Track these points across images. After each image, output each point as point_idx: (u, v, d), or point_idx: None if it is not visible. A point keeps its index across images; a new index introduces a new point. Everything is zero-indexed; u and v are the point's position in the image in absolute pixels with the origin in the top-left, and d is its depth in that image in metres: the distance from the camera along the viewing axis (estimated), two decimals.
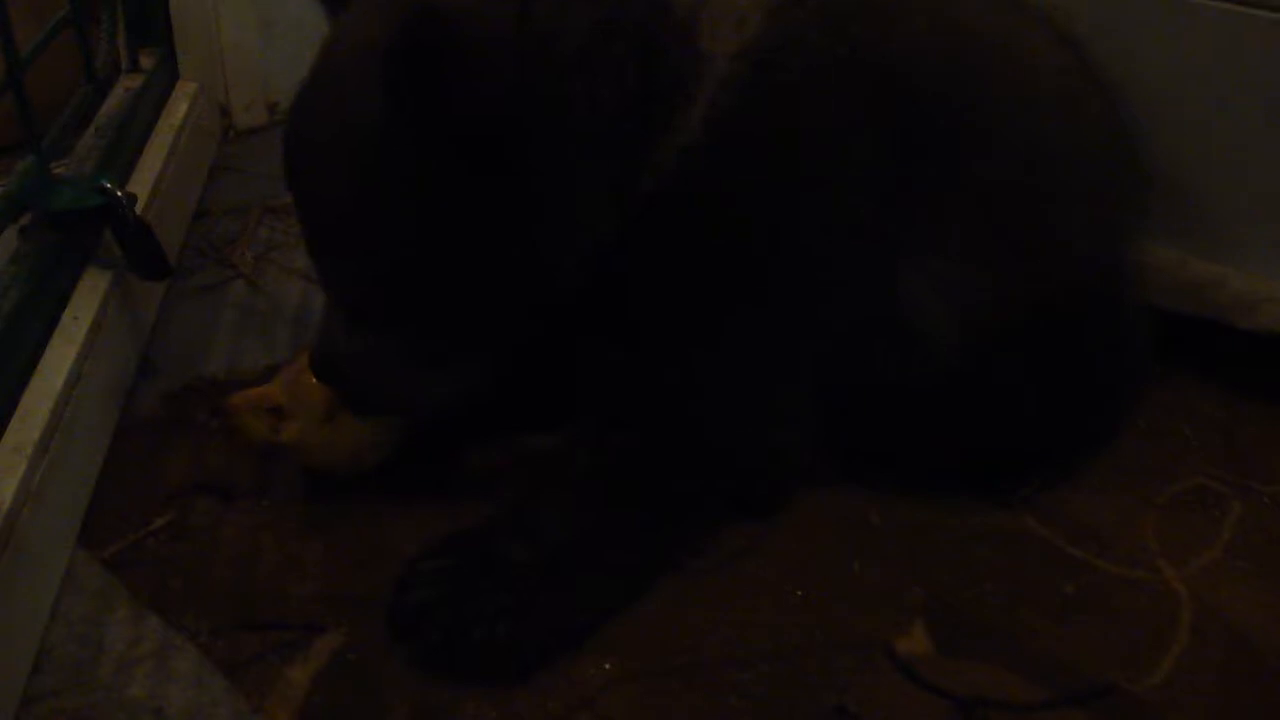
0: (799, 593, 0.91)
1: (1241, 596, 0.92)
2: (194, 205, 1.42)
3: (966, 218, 0.91)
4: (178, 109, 1.40)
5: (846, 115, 0.87)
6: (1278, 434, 1.10)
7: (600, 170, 0.84)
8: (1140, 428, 1.08)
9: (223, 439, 1.01)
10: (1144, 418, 1.08)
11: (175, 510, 0.96)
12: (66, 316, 0.99)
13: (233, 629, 0.86)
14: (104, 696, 0.81)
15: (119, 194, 1.02)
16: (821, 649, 0.87)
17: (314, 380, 0.92)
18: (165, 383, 1.11)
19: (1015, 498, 1.01)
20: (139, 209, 1.07)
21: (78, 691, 0.81)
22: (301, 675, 0.83)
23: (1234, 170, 1.08)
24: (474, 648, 0.84)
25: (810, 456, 0.97)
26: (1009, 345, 0.94)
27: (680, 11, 0.85)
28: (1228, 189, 1.09)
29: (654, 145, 0.84)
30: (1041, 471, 1.02)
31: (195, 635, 0.86)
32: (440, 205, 0.80)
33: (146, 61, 1.41)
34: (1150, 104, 1.04)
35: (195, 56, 1.50)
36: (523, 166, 0.80)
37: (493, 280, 0.85)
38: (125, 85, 1.34)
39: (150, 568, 0.91)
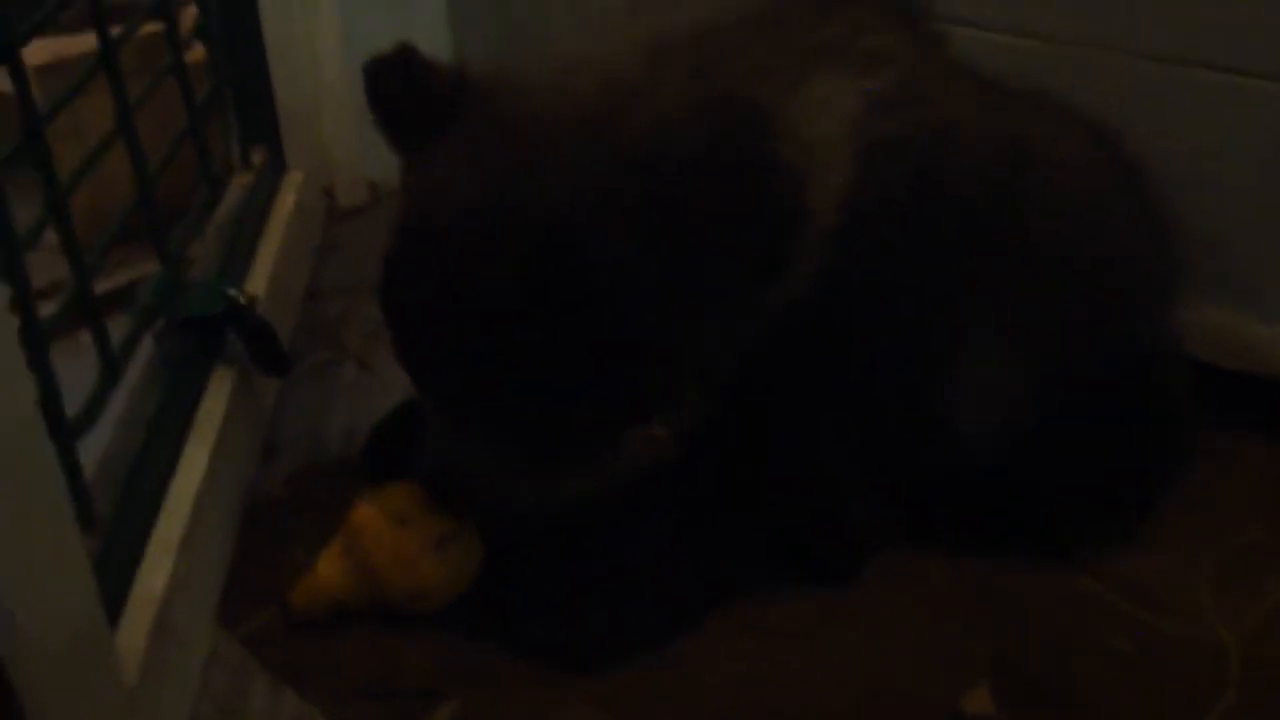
0: (869, 656, 0.98)
1: None
2: (304, 288, 1.52)
3: (1005, 322, 0.99)
4: (287, 200, 1.50)
5: (928, 253, 0.94)
6: None
7: (718, 332, 0.90)
8: (1194, 485, 1.11)
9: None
10: (1198, 476, 1.12)
11: None
12: (200, 414, 1.08)
13: (359, 698, 0.95)
14: None
15: (243, 301, 1.12)
16: (891, 709, 0.94)
17: (378, 558, 0.98)
18: (286, 464, 1.21)
19: (1073, 556, 1.06)
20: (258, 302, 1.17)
21: None
22: None
23: None
24: (566, 644, 0.98)
25: (879, 531, 1.06)
26: (1047, 428, 1.02)
27: (792, 170, 0.89)
28: (1275, 252, 1.13)
29: (766, 302, 0.91)
30: (1095, 531, 1.07)
31: (326, 706, 0.95)
32: (566, 362, 0.86)
33: (257, 158, 1.51)
34: (1197, 174, 1.10)
35: (300, 146, 1.59)
36: (649, 338, 0.86)
37: (607, 420, 0.91)
38: (239, 183, 1.44)
39: (283, 642, 1.00)
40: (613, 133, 0.85)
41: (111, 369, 0.97)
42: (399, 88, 0.91)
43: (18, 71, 0.85)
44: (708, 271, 0.86)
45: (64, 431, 0.84)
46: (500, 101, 0.89)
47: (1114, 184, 1.05)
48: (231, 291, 1.12)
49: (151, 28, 1.19)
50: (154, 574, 0.92)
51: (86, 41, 1.07)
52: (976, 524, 1.06)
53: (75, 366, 0.92)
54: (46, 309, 0.85)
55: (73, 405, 0.88)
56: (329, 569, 1.00)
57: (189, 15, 1.35)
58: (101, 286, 0.99)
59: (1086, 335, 1.03)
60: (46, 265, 0.93)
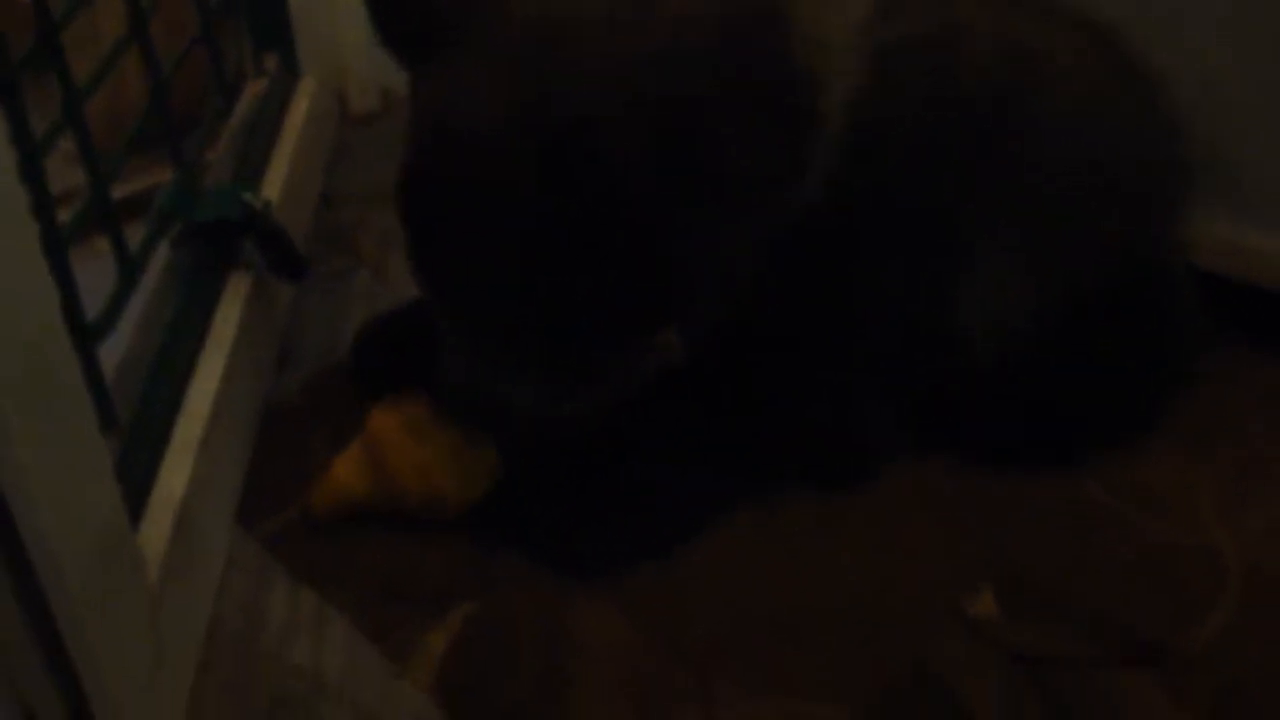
0: (877, 561, 1.00)
1: None
2: (318, 194, 1.52)
3: (1013, 227, 0.99)
4: (300, 106, 1.50)
5: (935, 157, 0.95)
6: None
7: (736, 233, 0.91)
8: (1198, 395, 1.13)
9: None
10: (1204, 386, 1.13)
11: None
12: (217, 320, 1.09)
13: (378, 600, 0.97)
14: (270, 664, 0.92)
15: (258, 206, 1.12)
16: (897, 612, 0.96)
17: (395, 466, 1.00)
18: (303, 371, 1.23)
19: (1079, 464, 1.08)
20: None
21: (246, 659, 0.93)
22: (438, 641, 0.94)
23: None
24: (577, 551, 1.01)
25: (887, 439, 1.07)
26: (1054, 337, 1.03)
27: (806, 71, 0.88)
28: None
29: (782, 204, 0.91)
30: (1101, 440, 1.09)
31: (344, 606, 0.97)
32: (586, 263, 0.86)
33: (270, 63, 1.51)
34: (1205, 84, 1.10)
35: (314, 52, 1.59)
36: (669, 237, 0.86)
37: (625, 324, 0.92)
38: (252, 90, 1.44)
39: (302, 544, 1.02)
40: (631, 34, 0.85)
41: (129, 273, 0.98)
42: (399, 5, 0.91)
43: None
44: (726, 171, 0.86)
45: (84, 335, 0.86)
46: (513, 7, 0.89)
47: (1122, 92, 1.04)
48: (247, 196, 1.13)
49: None
50: (174, 475, 0.93)
51: None
52: (984, 431, 1.07)
53: (92, 272, 0.93)
54: (62, 216, 0.86)
55: (91, 311, 0.89)
56: (346, 471, 1.01)
57: None
58: (117, 193, 0.99)
59: (1093, 243, 1.03)
60: (60, 173, 0.94)
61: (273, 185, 1.31)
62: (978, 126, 0.96)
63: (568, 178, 0.82)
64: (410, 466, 0.99)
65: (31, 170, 0.81)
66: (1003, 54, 0.98)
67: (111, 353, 0.96)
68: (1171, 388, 1.11)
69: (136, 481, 0.90)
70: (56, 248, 0.81)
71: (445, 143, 0.89)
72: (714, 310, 0.94)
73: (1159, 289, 1.08)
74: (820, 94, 0.89)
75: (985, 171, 0.97)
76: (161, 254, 1.11)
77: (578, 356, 0.93)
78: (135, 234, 1.02)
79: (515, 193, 0.84)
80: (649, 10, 0.85)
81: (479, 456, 1.01)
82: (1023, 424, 1.07)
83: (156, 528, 0.89)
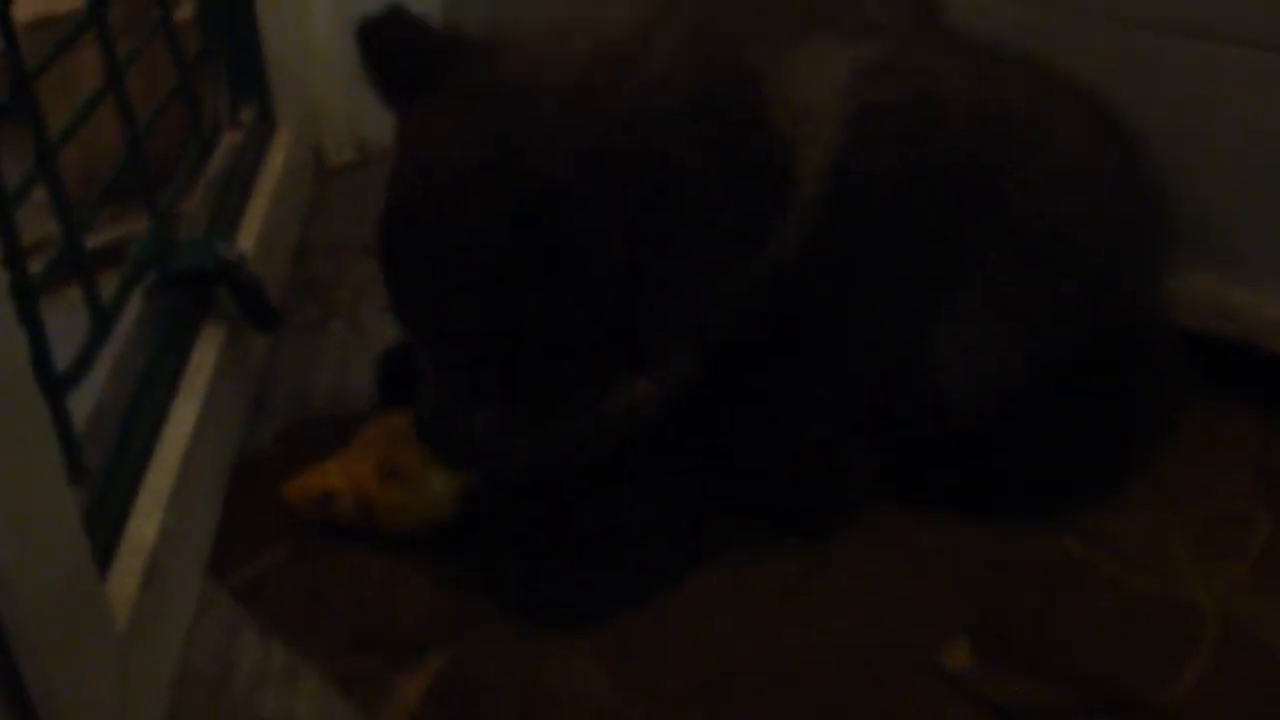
0: (852, 612, 1.00)
1: (1267, 612, 0.99)
2: (294, 245, 1.52)
3: (993, 287, 1.00)
4: (276, 159, 1.50)
5: (913, 219, 0.96)
6: None
7: (704, 291, 0.92)
8: (1174, 449, 1.13)
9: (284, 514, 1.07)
10: (1178, 439, 1.13)
11: (292, 541, 1.06)
12: (190, 370, 1.09)
13: (349, 650, 0.97)
14: (239, 715, 0.91)
15: (232, 258, 1.13)
16: (873, 663, 0.95)
17: (370, 467, 1.02)
18: (277, 420, 1.22)
19: (1056, 517, 1.08)
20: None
21: (216, 709, 0.92)
22: (411, 691, 0.93)
23: (1266, 201, 1.14)
24: (552, 601, 1.01)
25: (864, 490, 1.08)
26: (1034, 393, 1.03)
27: (780, 134, 0.90)
28: (1260, 219, 1.14)
29: (751, 263, 0.92)
30: (1078, 493, 1.09)
31: (316, 656, 0.96)
32: (555, 314, 0.86)
33: (246, 115, 1.51)
34: (1185, 141, 1.12)
35: (290, 104, 1.60)
36: (635, 293, 0.87)
37: (595, 372, 0.92)
38: (229, 141, 1.44)
39: (273, 595, 1.02)
40: (605, 96, 0.86)
41: (102, 323, 0.98)
42: (391, 48, 0.92)
43: (6, 27, 0.86)
44: (694, 231, 0.87)
45: (54, 385, 0.85)
46: (496, 63, 0.90)
47: (1104, 152, 1.05)
48: (221, 247, 1.13)
49: None
50: (144, 525, 0.93)
51: None
52: (961, 484, 1.08)
53: (65, 322, 0.93)
54: (34, 266, 0.86)
55: (63, 360, 0.89)
56: (326, 468, 1.04)
57: None
58: (91, 243, 1.00)
59: (1073, 300, 1.04)
60: (33, 223, 0.94)
61: (247, 236, 1.31)
62: (957, 188, 0.97)
63: (540, 235, 0.83)
64: (383, 432, 1.03)
65: (3, 220, 0.81)
66: (986, 119, 0.98)
67: (84, 401, 0.96)
68: (1149, 443, 1.12)
69: (106, 530, 0.90)
70: (27, 296, 0.81)
71: (422, 191, 0.90)
72: (684, 362, 0.95)
73: (1139, 346, 1.09)
74: (794, 156, 0.90)
75: (963, 230, 0.98)
76: (135, 304, 1.11)
77: (548, 401, 0.94)
78: (110, 283, 1.02)
79: (487, 245, 0.85)
80: (622, 73, 0.87)
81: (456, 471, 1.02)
82: (1002, 478, 1.07)
83: (126, 577, 0.88)
